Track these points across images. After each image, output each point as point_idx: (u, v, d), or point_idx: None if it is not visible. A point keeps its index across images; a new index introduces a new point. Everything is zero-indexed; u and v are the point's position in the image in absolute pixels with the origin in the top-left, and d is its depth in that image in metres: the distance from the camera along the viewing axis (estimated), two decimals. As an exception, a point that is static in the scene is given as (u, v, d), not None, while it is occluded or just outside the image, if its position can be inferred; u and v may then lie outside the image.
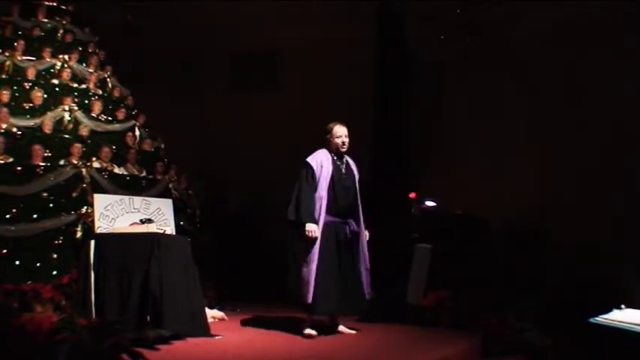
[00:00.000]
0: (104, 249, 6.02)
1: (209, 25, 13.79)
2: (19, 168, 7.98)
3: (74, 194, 7.92)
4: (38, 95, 9.27)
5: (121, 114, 10.00)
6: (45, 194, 7.86)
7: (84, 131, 9.12)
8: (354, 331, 6.38)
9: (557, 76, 11.19)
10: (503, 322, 6.19)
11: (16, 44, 9.93)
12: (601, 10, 10.32)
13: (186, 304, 5.91)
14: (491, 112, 12.06)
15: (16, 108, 8.98)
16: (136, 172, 9.01)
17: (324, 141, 6.42)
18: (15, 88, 9.29)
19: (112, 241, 6.12)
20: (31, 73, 9.58)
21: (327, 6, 12.81)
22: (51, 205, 7.85)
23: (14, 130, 8.68)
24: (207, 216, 10.13)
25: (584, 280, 7.72)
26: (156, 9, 13.41)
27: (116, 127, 9.71)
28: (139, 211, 6.88)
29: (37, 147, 8.31)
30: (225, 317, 7.45)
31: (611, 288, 6.68)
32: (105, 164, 8.61)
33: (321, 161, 6.28)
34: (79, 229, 7.66)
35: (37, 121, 8.94)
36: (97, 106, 9.68)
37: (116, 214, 6.76)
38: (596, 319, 4.43)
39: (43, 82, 9.65)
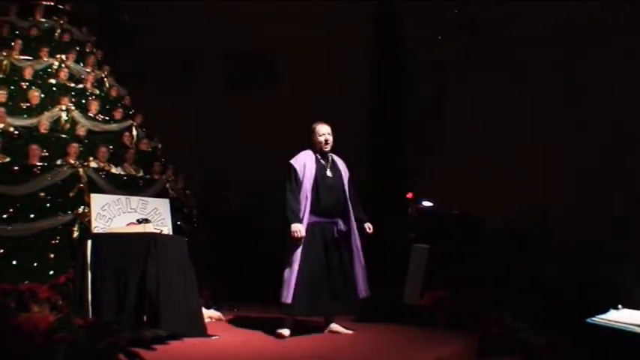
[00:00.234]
0: (101, 249, 6.02)
1: (208, 25, 13.77)
2: (16, 168, 7.94)
3: (71, 194, 7.88)
4: (35, 95, 9.23)
5: (118, 114, 9.97)
6: (42, 194, 7.82)
7: (81, 131, 9.09)
8: (350, 331, 6.35)
9: (558, 76, 11.16)
10: (500, 322, 6.17)
11: (13, 44, 9.89)
12: (602, 10, 10.30)
13: (183, 304, 5.91)
14: (492, 112, 12.03)
15: (13, 108, 8.94)
16: (133, 172, 8.98)
17: (309, 141, 6.43)
18: (12, 87, 9.25)
19: (109, 241, 6.12)
20: (28, 73, 9.55)
21: (326, 6, 12.79)
22: (48, 204, 7.80)
23: (11, 129, 8.65)
24: (205, 216, 10.10)
25: (584, 280, 7.68)
26: (155, 9, 13.40)
27: (113, 126, 9.68)
28: (135, 211, 6.88)
29: (34, 147, 8.27)
30: (222, 317, 7.43)
31: (611, 288, 6.65)
32: (102, 164, 8.57)
33: (304, 162, 6.31)
34: (75, 228, 7.62)
35: (34, 120, 8.90)
36: (94, 106, 9.64)
37: (113, 214, 6.75)
38: (593, 319, 4.40)
39: (40, 81, 9.62)
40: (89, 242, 6.08)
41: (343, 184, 6.41)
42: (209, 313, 7.13)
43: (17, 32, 10.27)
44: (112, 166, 8.77)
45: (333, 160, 6.48)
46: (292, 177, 6.25)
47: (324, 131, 6.39)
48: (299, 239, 6.06)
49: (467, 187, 11.62)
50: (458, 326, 6.68)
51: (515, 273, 7.90)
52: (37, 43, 10.18)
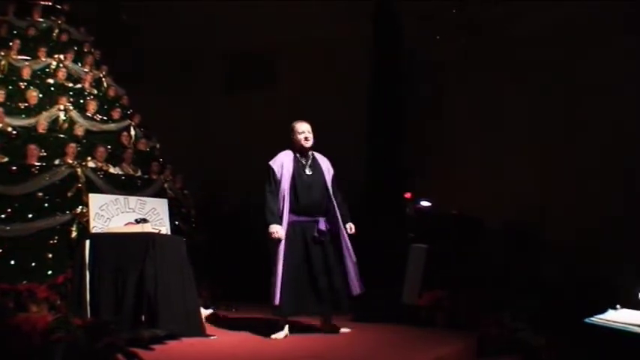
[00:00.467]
0: (99, 249, 6.00)
1: (207, 25, 13.77)
2: (14, 168, 7.95)
3: (69, 194, 7.90)
4: (33, 95, 9.24)
5: (116, 113, 9.97)
6: (40, 194, 7.84)
7: (79, 131, 9.10)
8: (347, 330, 6.32)
9: (557, 76, 11.16)
10: (499, 322, 6.16)
11: (11, 44, 9.89)
12: (601, 10, 10.30)
13: (181, 304, 5.89)
14: (491, 112, 12.03)
15: (11, 107, 8.95)
16: (132, 172, 8.99)
17: (289, 141, 6.42)
18: (10, 87, 9.26)
19: (107, 241, 6.10)
20: (26, 73, 9.56)
21: (325, 6, 12.78)
22: (46, 204, 7.82)
23: (9, 129, 8.66)
24: (204, 216, 10.09)
25: (583, 280, 7.68)
26: (154, 9, 13.39)
27: (111, 126, 9.69)
28: (134, 211, 6.86)
29: (32, 147, 8.28)
30: (213, 311, 7.40)
31: (610, 288, 6.64)
32: (100, 164, 8.57)
33: (282, 162, 6.30)
34: (74, 228, 7.63)
35: (33, 120, 8.91)
36: (92, 106, 9.65)
37: (111, 213, 6.73)
38: (591, 319, 4.39)
39: (38, 81, 9.62)
40: (87, 242, 6.06)
41: (325, 182, 6.35)
42: (205, 313, 7.12)
43: (15, 32, 10.27)
44: (110, 166, 8.77)
45: (314, 158, 6.43)
46: (270, 178, 6.24)
47: (303, 129, 6.36)
48: (277, 240, 6.05)
49: (466, 187, 11.62)
50: (456, 326, 6.66)
51: (513, 273, 7.89)
52: (35, 42, 10.18)
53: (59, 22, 10.84)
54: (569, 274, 8.13)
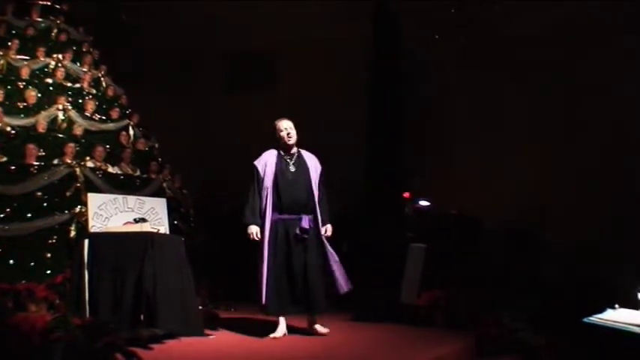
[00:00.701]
0: (98, 248, 5.99)
1: (207, 25, 13.78)
2: (12, 167, 7.93)
3: (68, 193, 7.89)
4: (32, 94, 9.24)
5: (115, 113, 9.98)
6: (39, 193, 7.83)
7: (78, 130, 9.09)
8: (326, 330, 6.18)
9: (557, 76, 11.16)
10: (499, 322, 6.15)
11: (10, 43, 9.88)
12: (601, 10, 10.31)
13: (180, 304, 5.88)
14: (491, 112, 12.03)
15: (10, 107, 8.95)
16: (130, 172, 8.99)
17: (274, 139, 6.40)
18: (9, 87, 9.25)
19: (106, 241, 6.09)
20: (25, 73, 9.55)
21: (324, 6, 12.78)
22: (45, 204, 7.81)
23: (8, 129, 8.65)
24: (203, 215, 10.08)
25: (583, 280, 7.68)
26: (154, 9, 13.39)
27: (110, 126, 9.70)
28: (132, 211, 6.86)
29: (31, 146, 8.28)
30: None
31: (610, 288, 6.63)
32: (99, 163, 8.57)
33: (265, 161, 6.29)
34: (72, 228, 7.64)
35: (31, 120, 8.92)
36: (91, 106, 9.67)
37: (110, 213, 6.73)
38: (590, 318, 4.38)
39: (37, 81, 9.62)
40: (86, 241, 6.05)
41: (309, 180, 6.29)
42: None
43: (14, 32, 10.27)
44: (109, 165, 8.77)
45: (299, 155, 6.39)
46: (254, 177, 6.24)
47: (285, 126, 6.33)
48: (254, 240, 6.06)
49: (466, 186, 11.61)
50: (455, 326, 6.65)
51: (513, 273, 7.89)
52: (33, 42, 10.18)
53: (58, 21, 10.85)
54: (569, 274, 8.13)
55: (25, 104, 9.16)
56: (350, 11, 12.74)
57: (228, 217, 11.88)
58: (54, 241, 7.62)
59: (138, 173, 9.05)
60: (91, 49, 10.95)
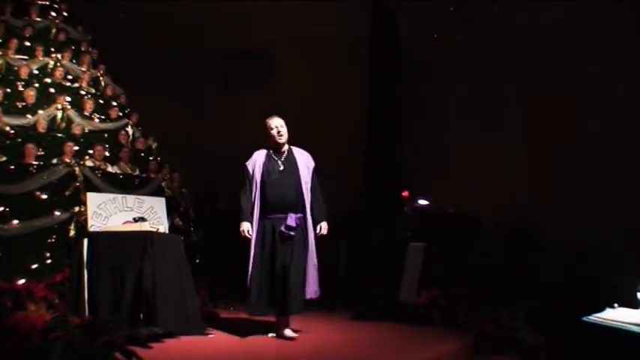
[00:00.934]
0: (97, 247, 6.01)
1: (206, 25, 13.75)
2: (12, 167, 7.92)
3: (67, 193, 7.87)
4: (31, 94, 9.23)
5: (113, 112, 9.98)
6: (38, 193, 7.80)
7: (77, 130, 9.09)
8: (296, 335, 6.03)
9: (556, 76, 11.15)
10: (498, 321, 6.16)
11: (8, 43, 9.88)
12: (601, 10, 10.29)
13: (179, 303, 5.90)
14: (490, 112, 12.01)
15: (9, 107, 8.94)
16: (129, 171, 8.98)
17: (265, 139, 6.37)
18: (8, 87, 9.24)
19: (105, 240, 6.11)
20: (24, 72, 9.55)
21: (323, 5, 12.76)
22: (44, 203, 7.79)
23: (7, 129, 8.65)
24: (202, 215, 10.08)
25: (582, 279, 7.69)
26: (154, 8, 13.37)
27: (109, 125, 9.70)
28: (132, 210, 6.88)
29: (30, 146, 8.27)
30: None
31: (610, 288, 6.64)
32: (98, 163, 8.58)
33: (255, 160, 6.30)
34: (72, 227, 7.63)
35: (30, 120, 8.91)
36: (90, 105, 9.66)
37: (109, 212, 6.75)
38: (589, 317, 4.39)
39: (35, 80, 9.61)
40: (85, 241, 6.07)
41: (298, 179, 6.22)
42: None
43: (13, 31, 10.25)
44: (108, 164, 8.77)
45: (289, 154, 6.34)
46: (245, 177, 6.27)
47: (276, 124, 6.27)
48: (246, 238, 6.07)
49: (465, 186, 11.60)
50: (454, 325, 6.66)
51: (513, 273, 7.89)
52: (32, 42, 10.18)
53: (56, 21, 10.84)
54: (569, 274, 8.13)
55: (24, 104, 9.15)
56: (349, 11, 12.74)
57: (226, 216, 11.93)
58: (53, 240, 7.60)
59: (137, 172, 9.04)
60: (90, 49, 10.96)
